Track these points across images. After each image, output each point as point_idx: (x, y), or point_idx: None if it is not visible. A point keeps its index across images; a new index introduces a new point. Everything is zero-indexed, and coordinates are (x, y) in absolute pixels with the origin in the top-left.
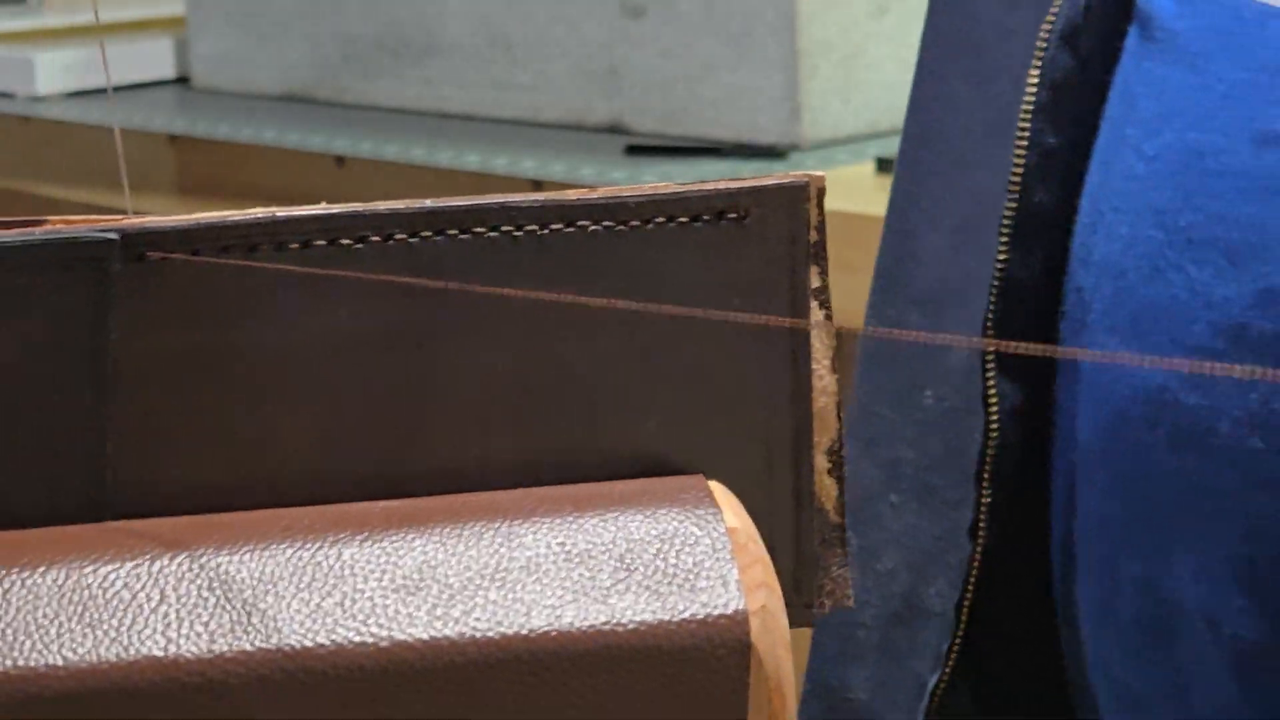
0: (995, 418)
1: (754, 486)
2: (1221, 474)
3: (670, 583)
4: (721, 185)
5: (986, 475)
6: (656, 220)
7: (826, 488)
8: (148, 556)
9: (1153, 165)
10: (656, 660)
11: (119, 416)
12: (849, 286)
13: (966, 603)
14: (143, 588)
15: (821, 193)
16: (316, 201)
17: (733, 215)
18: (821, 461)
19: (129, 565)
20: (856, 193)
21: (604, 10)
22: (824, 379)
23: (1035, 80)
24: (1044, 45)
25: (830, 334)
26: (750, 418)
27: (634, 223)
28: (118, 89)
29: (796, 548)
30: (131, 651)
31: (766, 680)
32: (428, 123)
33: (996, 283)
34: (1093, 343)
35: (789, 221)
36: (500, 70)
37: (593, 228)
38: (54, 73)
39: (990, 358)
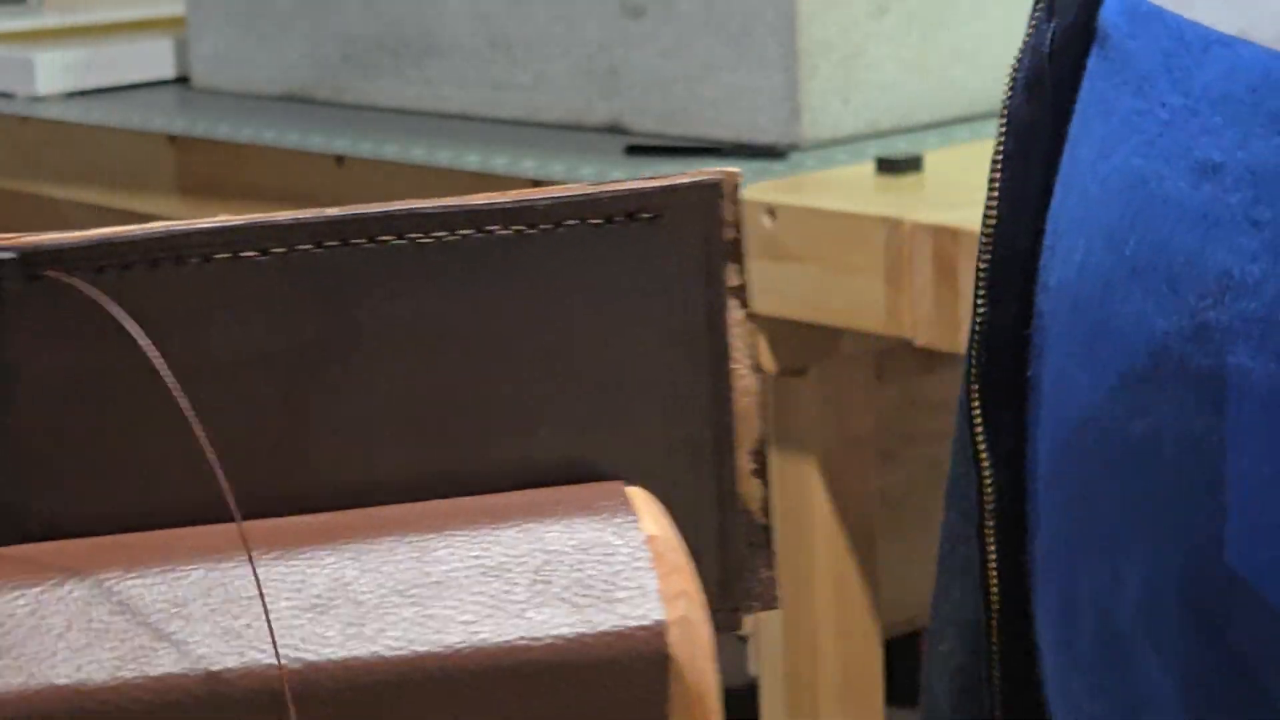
0: (988, 467)
1: (677, 489)
2: (1161, 498)
3: (588, 595)
4: (634, 185)
5: (990, 529)
6: (567, 223)
7: (751, 489)
8: (52, 582)
9: (1105, 187)
10: (574, 674)
11: (21, 437)
12: (850, 286)
13: (996, 672)
14: (48, 614)
15: (736, 189)
16: (317, 201)
17: (646, 215)
18: (745, 462)
19: (33, 591)
20: (856, 193)
21: (604, 10)
22: (745, 378)
23: (1002, 129)
24: (1009, 94)
25: (750, 332)
26: (671, 419)
27: (544, 226)
28: (118, 89)
29: (721, 551)
30: (35, 680)
31: (687, 691)
32: (427, 122)
33: (977, 335)
34: (1052, 367)
35: (704, 220)
36: (500, 70)
37: (502, 232)
38: (54, 73)
39: (976, 406)
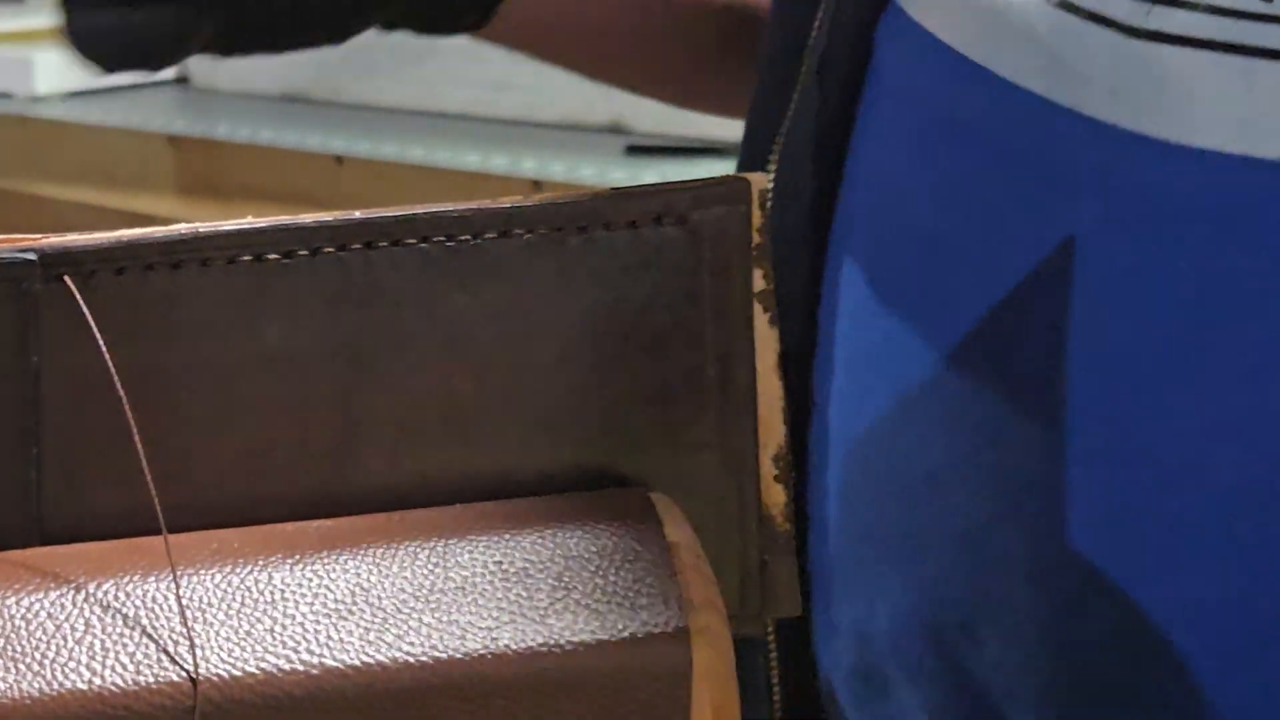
0: None
1: (700, 495)
2: (914, 523)
3: (610, 601)
4: (660, 189)
5: None
6: (593, 226)
7: (773, 495)
8: (73, 585)
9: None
10: (596, 682)
11: (46, 439)
12: None
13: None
14: (67, 617)
15: (764, 194)
16: (316, 201)
17: (672, 219)
18: (768, 468)
19: (54, 594)
20: None
21: None
22: (769, 384)
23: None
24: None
25: (776, 338)
26: (695, 425)
27: (570, 229)
28: (117, 89)
29: (744, 557)
30: (55, 685)
31: (709, 699)
32: (426, 122)
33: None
34: (829, 379)
35: (730, 224)
36: (500, 70)
37: (527, 235)
38: (53, 72)
39: None
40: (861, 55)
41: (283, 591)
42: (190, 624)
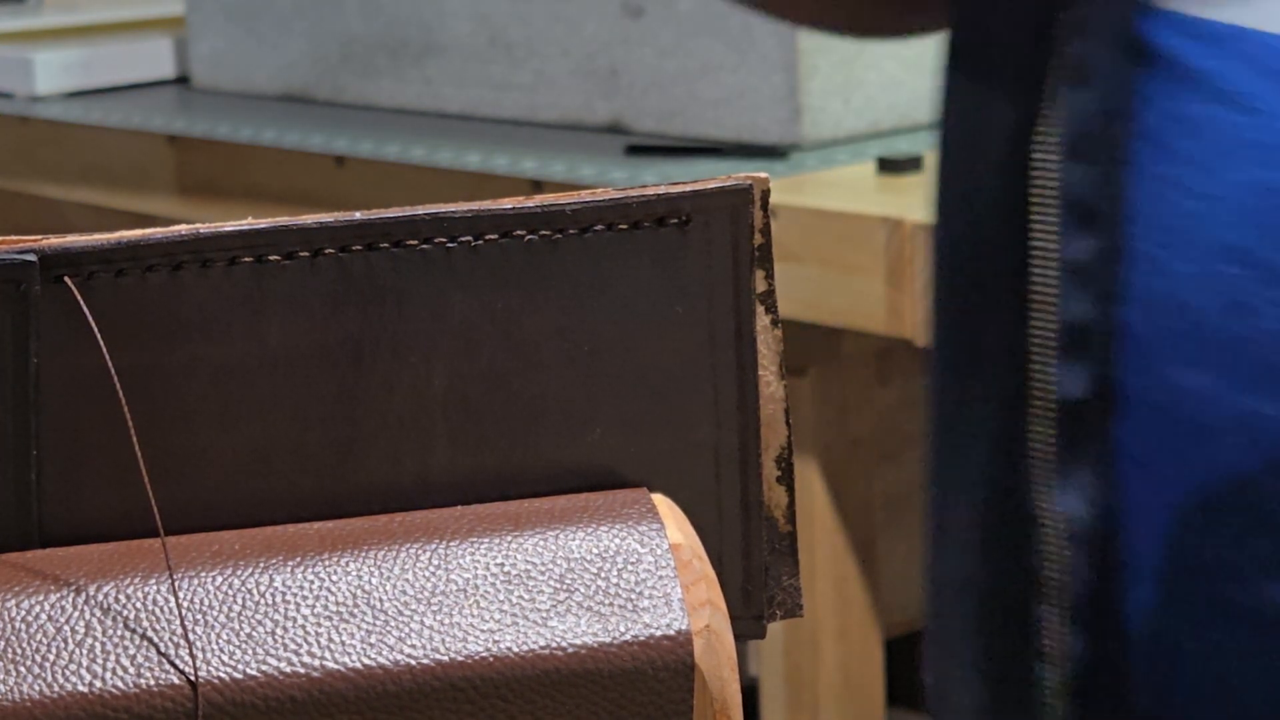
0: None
1: (702, 497)
2: None
3: (612, 603)
4: (662, 190)
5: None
6: (595, 228)
7: (776, 496)
8: (73, 587)
9: (1217, 204)
10: (598, 684)
11: (45, 441)
12: (851, 287)
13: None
14: (67, 620)
15: (766, 195)
16: (317, 201)
17: (674, 220)
18: (770, 469)
19: (53, 597)
20: (857, 193)
21: (604, 10)
22: (772, 385)
23: (1050, 198)
24: (1054, 162)
25: (778, 339)
26: (697, 427)
27: (572, 231)
28: (117, 89)
29: (746, 558)
30: (55, 688)
31: (711, 702)
32: (427, 123)
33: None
34: (1164, 382)
35: (732, 225)
36: (500, 70)
37: (529, 237)
38: (53, 72)
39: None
40: None
41: (283, 594)
42: (189, 627)
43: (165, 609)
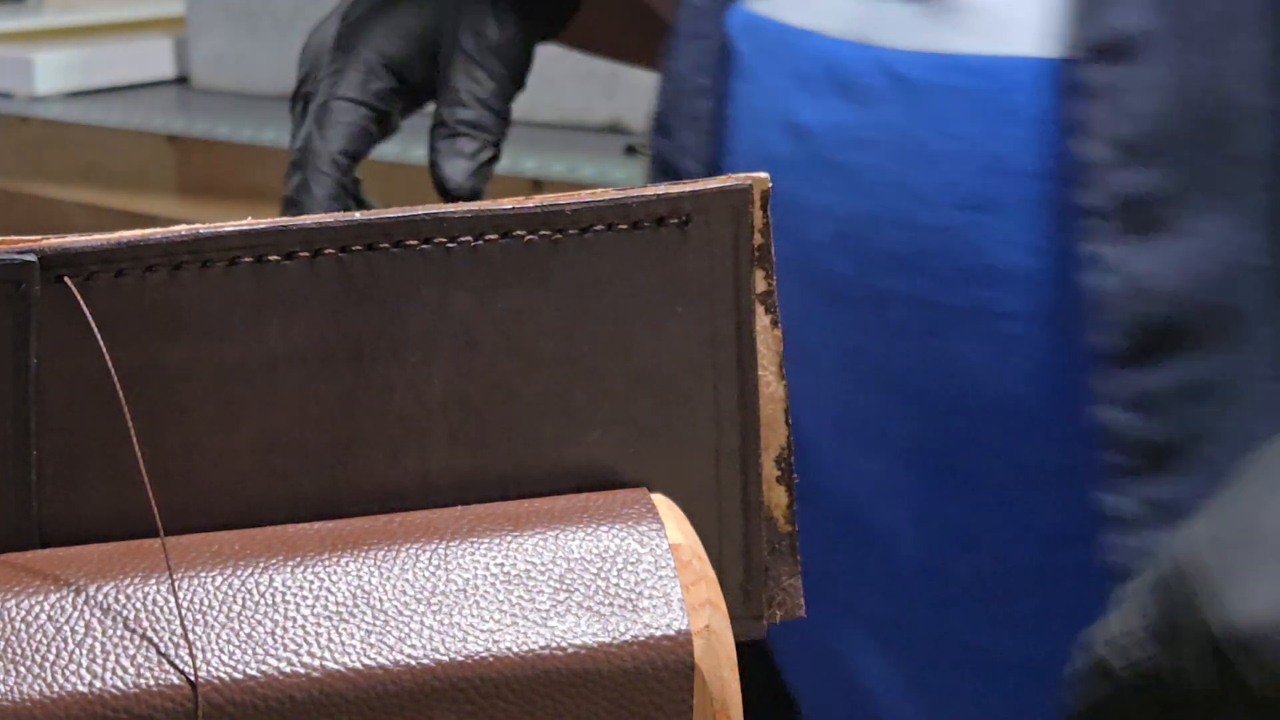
0: None
1: (702, 497)
2: None
3: (611, 603)
4: (662, 190)
5: None
6: (595, 228)
7: (775, 496)
8: (73, 587)
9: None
10: (598, 684)
11: (44, 441)
12: None
13: None
14: (67, 620)
15: (765, 195)
16: None
17: (674, 221)
18: (770, 469)
19: (53, 597)
20: None
21: None
22: (772, 385)
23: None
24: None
25: (778, 339)
26: (697, 427)
27: (572, 231)
28: (117, 89)
29: (746, 558)
30: (55, 688)
31: (711, 701)
32: (428, 123)
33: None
34: None
35: (732, 226)
36: None
37: (529, 237)
38: (53, 72)
39: None
40: None
41: (283, 594)
42: (189, 627)
43: (165, 609)
